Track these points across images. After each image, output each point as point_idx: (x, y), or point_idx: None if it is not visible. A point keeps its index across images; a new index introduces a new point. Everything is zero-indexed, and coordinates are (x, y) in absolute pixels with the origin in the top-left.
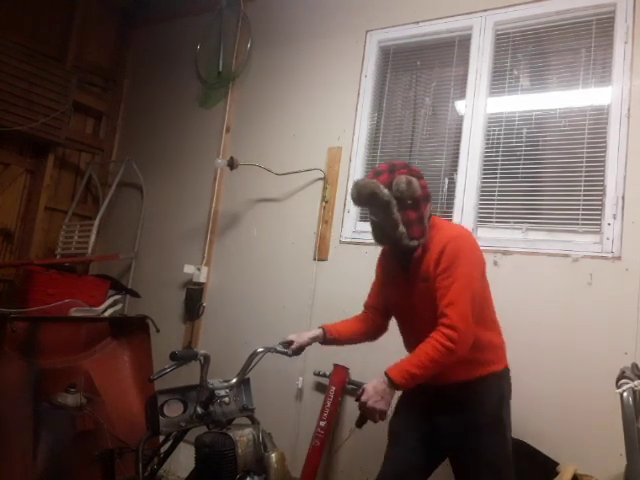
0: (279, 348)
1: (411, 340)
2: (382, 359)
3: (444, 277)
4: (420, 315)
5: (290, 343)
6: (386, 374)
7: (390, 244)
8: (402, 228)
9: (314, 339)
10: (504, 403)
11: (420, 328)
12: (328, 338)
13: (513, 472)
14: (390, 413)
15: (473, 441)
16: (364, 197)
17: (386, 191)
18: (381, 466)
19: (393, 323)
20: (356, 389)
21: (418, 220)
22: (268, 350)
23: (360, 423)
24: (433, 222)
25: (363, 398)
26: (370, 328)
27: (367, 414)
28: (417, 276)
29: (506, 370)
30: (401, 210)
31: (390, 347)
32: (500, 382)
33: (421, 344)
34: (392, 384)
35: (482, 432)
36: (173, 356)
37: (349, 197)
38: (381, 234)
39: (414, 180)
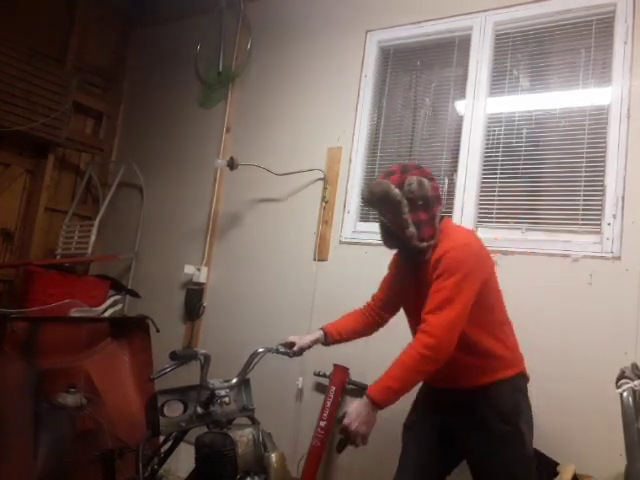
0: (280, 349)
1: None
2: (382, 359)
3: (435, 285)
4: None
5: (291, 345)
6: (366, 395)
7: (399, 246)
8: (412, 229)
9: (315, 342)
10: (521, 410)
11: None
12: (329, 340)
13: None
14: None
15: (488, 449)
16: (376, 197)
17: (397, 191)
18: (397, 468)
19: (393, 321)
20: (356, 389)
21: (429, 221)
22: (269, 350)
23: (341, 447)
24: (444, 226)
25: (345, 421)
26: (371, 322)
27: (350, 438)
28: (424, 280)
29: (520, 376)
30: (412, 211)
31: (390, 346)
32: (513, 388)
33: (400, 354)
34: (374, 404)
35: (498, 440)
36: (173, 355)
37: (349, 197)
38: (390, 236)
39: (425, 181)
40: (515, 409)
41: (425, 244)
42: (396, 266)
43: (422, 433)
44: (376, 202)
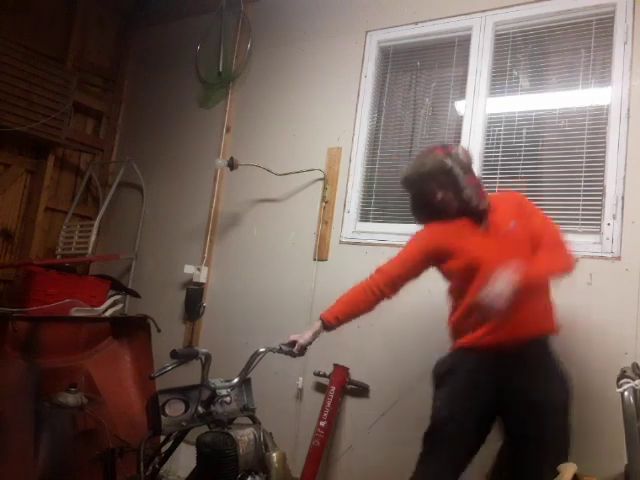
0: (284, 348)
1: None
2: (383, 359)
3: (537, 219)
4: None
5: (293, 344)
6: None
7: (452, 215)
8: (469, 191)
9: (315, 334)
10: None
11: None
12: (328, 327)
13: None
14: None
15: (564, 401)
16: (428, 168)
17: (449, 159)
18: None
19: (390, 316)
20: (356, 389)
21: (479, 185)
22: (270, 350)
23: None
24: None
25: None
26: (372, 301)
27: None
28: (499, 226)
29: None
30: (466, 175)
31: (391, 345)
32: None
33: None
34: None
35: (564, 392)
36: (174, 354)
37: (349, 197)
38: (433, 210)
39: (467, 150)
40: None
41: (485, 203)
42: (437, 243)
43: (465, 444)
44: (427, 176)
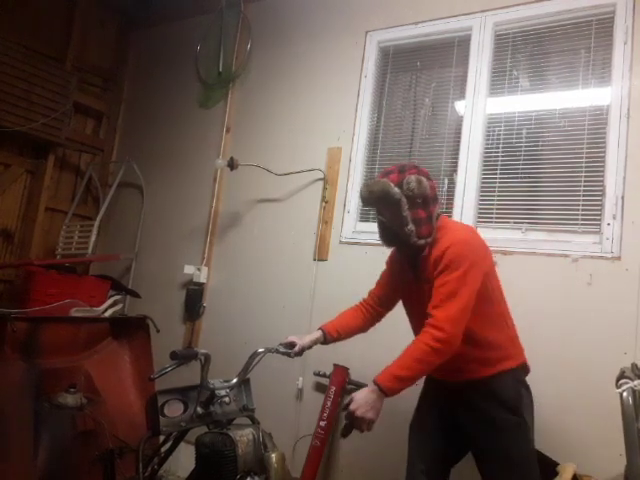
0: (281, 349)
1: None
2: (382, 358)
3: (438, 280)
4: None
5: (292, 344)
6: (374, 382)
7: (398, 244)
8: (411, 226)
9: (315, 342)
10: (523, 401)
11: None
12: (328, 339)
13: (538, 473)
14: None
15: (493, 439)
16: (375, 195)
17: (397, 189)
18: (407, 466)
19: (389, 316)
20: (356, 389)
21: (427, 219)
22: (269, 350)
23: (346, 433)
24: (442, 223)
25: (352, 407)
26: (368, 318)
27: (355, 423)
28: (423, 277)
29: (521, 367)
30: (411, 208)
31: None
32: (515, 379)
33: (408, 345)
34: (381, 390)
35: (502, 430)
36: (173, 355)
37: (349, 197)
38: (389, 234)
39: (424, 179)
40: (518, 400)
41: (423, 241)
42: (393, 263)
43: (428, 429)
44: (375, 201)
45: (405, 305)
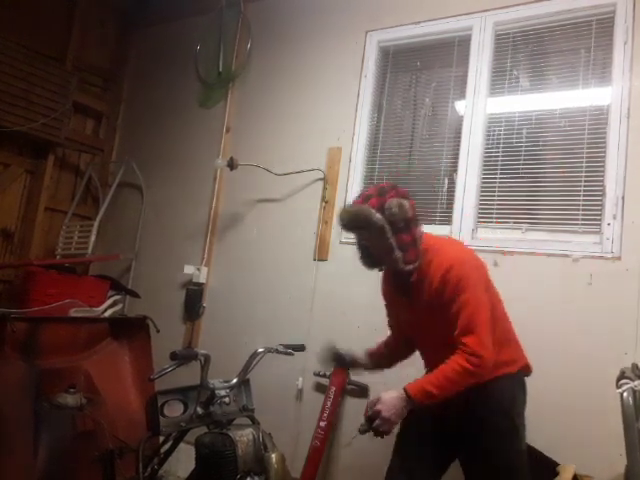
0: (280, 349)
1: (427, 356)
2: None
3: (452, 306)
4: (431, 334)
5: (339, 356)
6: (405, 390)
7: (379, 267)
8: (398, 253)
9: (361, 365)
10: (517, 405)
11: (432, 345)
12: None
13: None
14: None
15: (485, 442)
16: (357, 223)
17: (379, 215)
18: (390, 462)
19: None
20: (356, 389)
21: (412, 243)
22: (269, 350)
23: (365, 430)
24: (428, 242)
25: (379, 407)
26: (402, 348)
27: (379, 424)
28: (420, 300)
29: (520, 373)
30: (395, 234)
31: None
32: (513, 384)
33: (443, 365)
34: (409, 400)
35: (494, 433)
36: (173, 355)
37: (349, 197)
38: (373, 259)
39: (405, 202)
40: (513, 404)
41: (411, 266)
42: (385, 294)
43: (416, 434)
44: (357, 228)
45: (406, 327)
